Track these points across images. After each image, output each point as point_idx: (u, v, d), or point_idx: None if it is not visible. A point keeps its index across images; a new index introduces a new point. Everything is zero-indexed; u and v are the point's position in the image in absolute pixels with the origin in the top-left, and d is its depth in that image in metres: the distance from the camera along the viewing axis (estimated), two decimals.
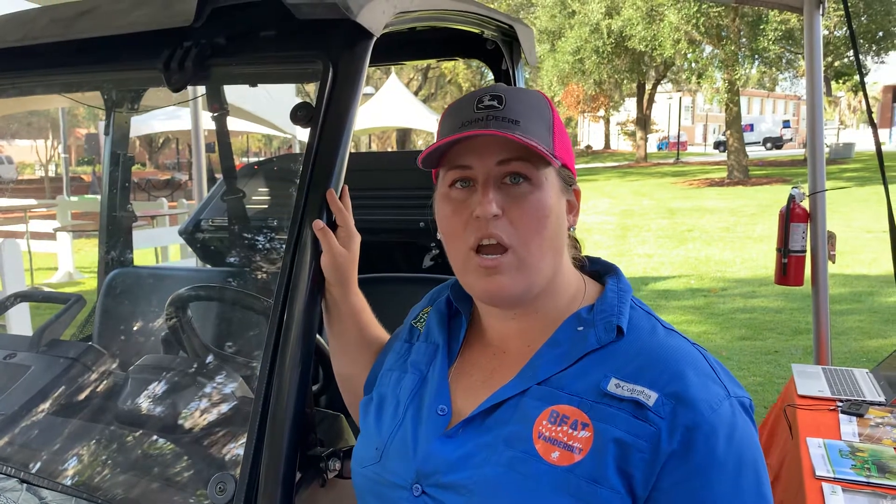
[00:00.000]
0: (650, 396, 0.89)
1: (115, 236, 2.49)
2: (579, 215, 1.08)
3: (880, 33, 22.58)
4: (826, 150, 3.79)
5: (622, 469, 0.87)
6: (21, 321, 4.16)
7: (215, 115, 2.28)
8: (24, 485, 1.32)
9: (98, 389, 1.66)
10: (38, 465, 1.40)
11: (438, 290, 1.22)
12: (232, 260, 2.45)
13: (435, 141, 1.04)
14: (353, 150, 1.28)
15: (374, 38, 1.26)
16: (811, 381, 2.73)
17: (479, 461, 0.93)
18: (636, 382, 0.91)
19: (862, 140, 35.00)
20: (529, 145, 0.94)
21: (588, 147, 47.84)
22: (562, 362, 0.96)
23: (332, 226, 1.19)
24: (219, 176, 2.54)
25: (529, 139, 0.94)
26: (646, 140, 35.58)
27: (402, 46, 2.22)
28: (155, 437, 1.45)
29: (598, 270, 1.11)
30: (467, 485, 0.92)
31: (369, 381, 1.20)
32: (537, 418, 0.93)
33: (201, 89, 2.54)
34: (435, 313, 1.15)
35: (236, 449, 1.31)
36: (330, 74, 1.23)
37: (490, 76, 2.22)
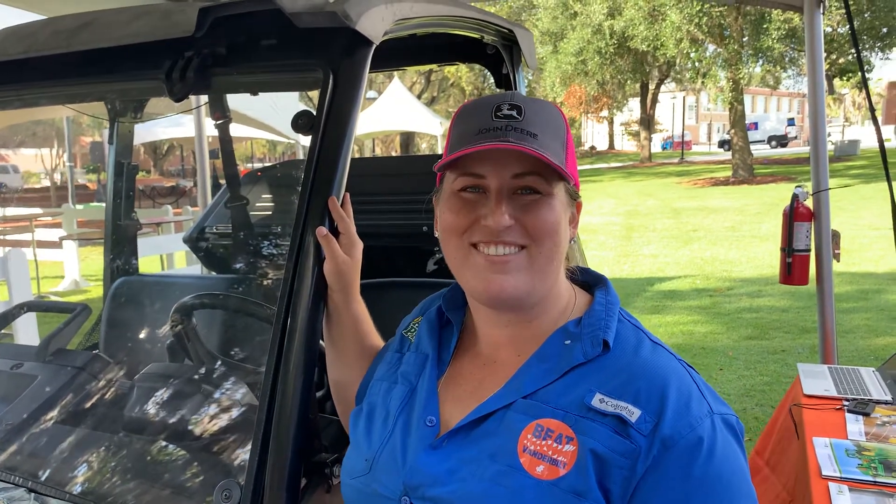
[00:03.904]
0: (633, 413, 0.89)
1: (120, 244, 2.50)
2: (579, 223, 1.07)
3: (884, 30, 22.50)
4: (831, 147, 3.79)
5: (602, 484, 0.87)
6: (28, 330, 4.17)
7: (218, 122, 2.29)
8: (33, 494, 1.33)
9: (104, 398, 1.67)
10: (46, 474, 1.40)
11: (430, 300, 1.21)
12: (236, 267, 2.46)
13: (446, 140, 1.04)
14: (356, 155, 1.28)
15: (374, 46, 1.27)
16: (817, 380, 2.72)
17: (465, 475, 0.92)
18: (620, 398, 0.90)
19: (867, 137, 34.87)
20: (550, 163, 0.93)
21: (592, 148, 47.82)
22: (548, 376, 0.96)
23: (335, 233, 1.20)
24: (223, 182, 2.55)
25: (548, 155, 0.93)
26: (650, 140, 35.53)
27: (402, 52, 2.23)
28: (161, 445, 1.45)
29: (588, 281, 1.11)
30: (452, 499, 0.92)
31: (360, 391, 1.20)
32: (522, 431, 0.92)
33: (204, 98, 2.56)
34: (426, 323, 1.15)
35: (242, 456, 1.31)
36: (330, 82, 1.24)
37: (493, 79, 2.22)
